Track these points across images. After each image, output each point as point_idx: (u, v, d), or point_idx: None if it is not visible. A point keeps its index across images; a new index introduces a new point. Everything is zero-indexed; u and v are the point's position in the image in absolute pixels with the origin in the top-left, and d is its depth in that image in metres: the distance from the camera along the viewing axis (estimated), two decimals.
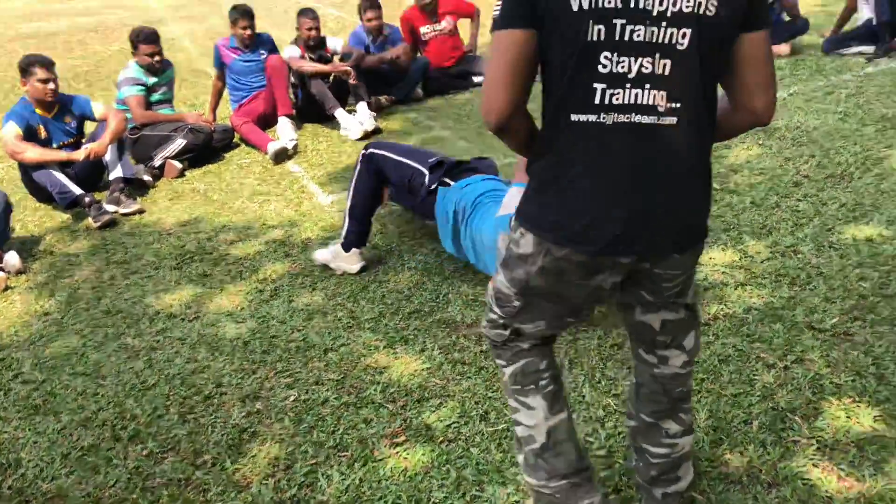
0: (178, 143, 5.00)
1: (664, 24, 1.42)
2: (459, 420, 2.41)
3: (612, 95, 1.45)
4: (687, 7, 1.41)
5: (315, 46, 5.79)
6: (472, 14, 6.82)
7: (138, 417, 2.60)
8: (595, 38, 1.42)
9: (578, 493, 1.80)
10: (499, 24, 1.48)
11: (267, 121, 5.67)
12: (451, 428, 2.38)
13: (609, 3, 1.40)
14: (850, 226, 3.35)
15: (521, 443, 1.84)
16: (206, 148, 5.18)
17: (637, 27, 1.42)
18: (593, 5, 1.40)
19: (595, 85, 1.45)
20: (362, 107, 5.65)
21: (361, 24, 6.29)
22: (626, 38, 1.42)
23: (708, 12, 1.42)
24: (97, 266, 3.83)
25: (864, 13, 6.28)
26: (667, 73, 1.45)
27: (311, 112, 5.86)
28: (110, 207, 4.37)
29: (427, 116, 5.91)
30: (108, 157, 4.56)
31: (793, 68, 6.03)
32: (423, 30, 6.53)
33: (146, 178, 4.85)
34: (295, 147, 5.26)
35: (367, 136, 5.42)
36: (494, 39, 1.50)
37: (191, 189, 4.76)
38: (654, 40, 1.43)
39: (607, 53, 1.43)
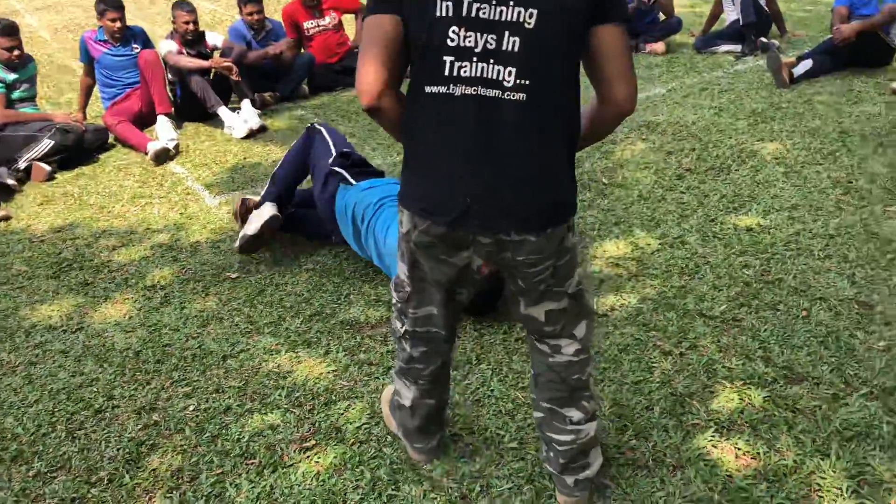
0: (46, 143, 4.65)
1: (511, 3, 1.50)
2: (370, 421, 2.37)
3: (459, 68, 1.55)
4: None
5: (193, 41, 5.54)
6: (356, 9, 6.74)
7: (20, 437, 2.41)
8: (443, 13, 1.53)
9: (413, 438, 2.14)
10: (367, 11, 1.61)
11: (143, 120, 5.37)
12: (361, 429, 2.34)
13: None
14: (731, 216, 3.53)
15: (395, 391, 2.13)
16: (78, 149, 4.84)
17: (482, 5, 1.51)
18: None
19: (444, 58, 1.55)
20: (246, 104, 5.47)
21: (241, 18, 6.08)
22: (473, 14, 1.52)
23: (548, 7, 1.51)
24: None
25: (731, 15, 6.65)
26: (515, 50, 1.53)
27: (191, 110, 5.61)
28: None
29: (314, 114, 5.79)
30: None
31: (668, 66, 6.30)
32: (306, 25, 6.38)
33: (10, 181, 4.46)
34: (177, 147, 5.02)
35: (252, 134, 5.26)
36: (364, 25, 1.63)
37: (62, 193, 4.45)
38: (501, 18, 1.51)
39: (455, 28, 1.53)
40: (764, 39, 6.43)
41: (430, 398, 2.06)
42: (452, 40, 1.54)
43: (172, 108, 5.44)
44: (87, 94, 5.60)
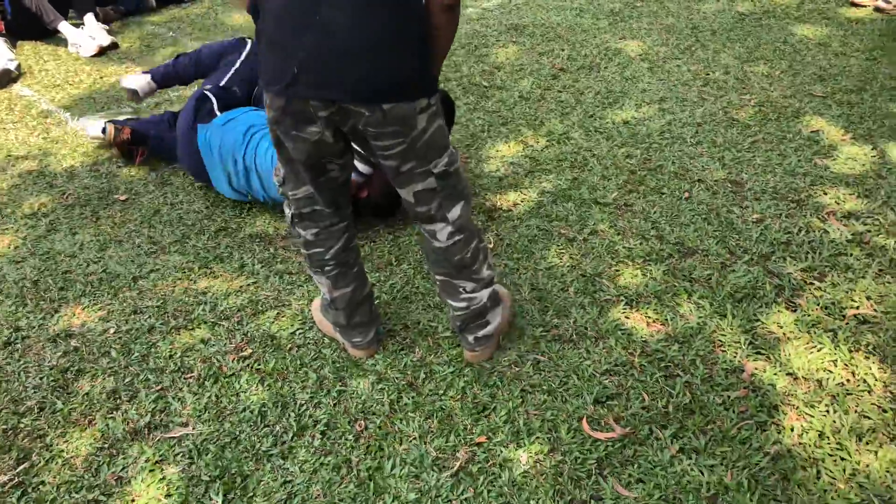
0: None
1: None
2: (303, 326, 2.41)
3: None
4: None
5: None
6: None
7: None
8: None
9: (352, 334, 2.22)
10: None
11: None
12: (296, 334, 2.38)
13: None
14: (608, 111, 3.75)
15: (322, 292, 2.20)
16: None
17: None
18: None
19: None
20: (90, 19, 5.05)
21: None
22: None
23: None
24: None
25: None
26: None
27: (26, 28, 5.12)
28: None
29: (168, 28, 5.45)
30: None
31: None
32: None
33: None
34: (18, 67, 4.60)
35: (102, 51, 4.90)
36: None
37: None
38: None
39: None
40: None
41: (344, 286, 2.12)
42: None
43: (3, 27, 4.94)
44: None
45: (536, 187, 3.12)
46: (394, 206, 2.85)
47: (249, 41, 3.37)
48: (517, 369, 2.19)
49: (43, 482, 1.92)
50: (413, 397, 2.11)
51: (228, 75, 3.19)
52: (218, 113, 3.01)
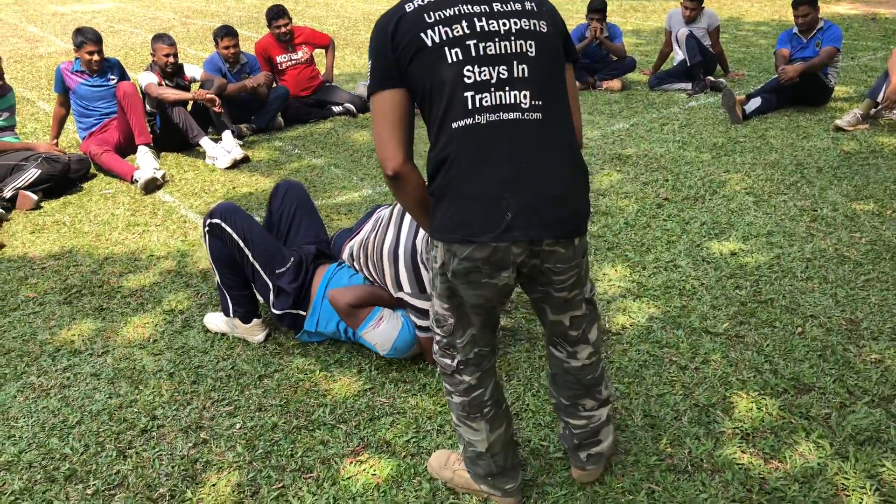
0: (32, 172, 4.62)
1: (513, 37, 1.75)
2: (417, 435, 2.48)
3: (480, 99, 1.73)
4: (525, 26, 1.77)
5: (172, 73, 5.59)
6: (327, 45, 6.89)
7: (70, 456, 2.44)
8: (455, 59, 1.72)
9: (504, 480, 2.13)
10: (372, 89, 1.78)
11: (121, 150, 5.39)
12: (410, 443, 2.44)
13: (458, 31, 1.72)
14: (714, 242, 3.80)
15: (463, 442, 2.13)
16: (63, 178, 4.82)
17: (488, 43, 1.73)
18: (446, 36, 1.72)
19: (465, 94, 1.72)
20: (228, 135, 5.52)
21: (216, 51, 6.14)
22: (482, 53, 1.73)
23: (542, 29, 1.79)
24: None
25: (679, 55, 7.08)
26: (525, 75, 1.75)
27: (170, 141, 5.64)
28: None
29: (293, 145, 5.88)
30: None
31: (627, 102, 6.65)
32: (279, 59, 6.50)
33: None
34: (164, 176, 5.03)
35: (235, 164, 5.31)
36: (372, 103, 1.79)
37: (53, 221, 4.42)
38: (507, 51, 1.74)
39: (469, 67, 1.72)
40: (712, 78, 6.88)
41: (500, 425, 2.09)
42: (469, 78, 1.72)
43: (152, 139, 5.45)
44: (60, 124, 5.59)
45: (645, 312, 3.16)
46: None
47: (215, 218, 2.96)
48: (631, 497, 2.18)
49: None
50: None
51: (262, 252, 2.95)
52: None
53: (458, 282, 1.83)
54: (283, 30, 6.39)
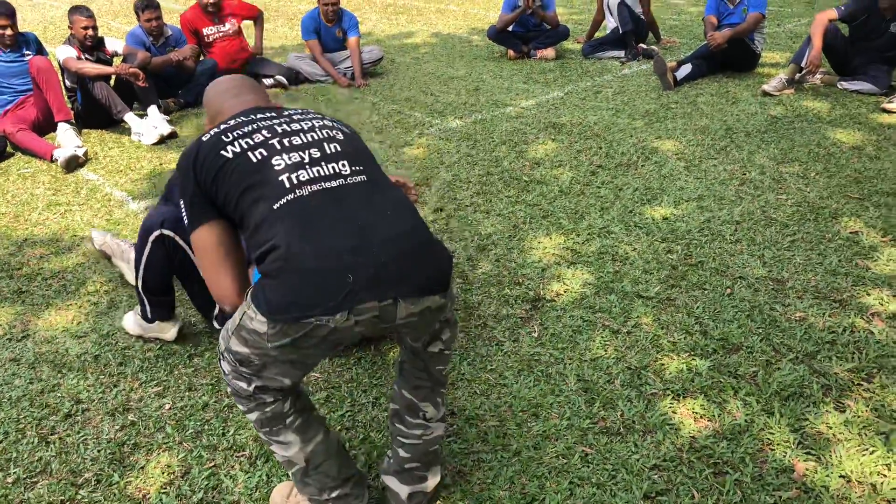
0: None
1: (317, 129, 1.81)
2: (352, 409, 2.45)
3: (297, 177, 1.69)
4: (328, 123, 1.88)
5: (92, 47, 5.35)
6: (256, 16, 6.70)
7: None
8: (260, 157, 1.72)
9: (348, 500, 1.90)
10: (190, 228, 1.76)
11: (40, 127, 5.16)
12: (345, 417, 2.42)
13: (258, 138, 1.75)
14: (647, 207, 3.84)
15: (284, 462, 1.84)
16: None
17: (292, 138, 1.77)
18: (246, 145, 1.73)
19: (280, 178, 1.69)
20: (154, 110, 5.34)
21: (139, 24, 5.91)
22: (287, 145, 1.74)
23: (344, 129, 1.91)
24: None
25: (611, 23, 7.11)
26: (339, 150, 1.79)
27: (93, 117, 5.42)
28: None
29: None
30: None
31: (562, 70, 6.66)
32: (206, 31, 6.30)
33: None
34: (86, 153, 4.84)
35: (162, 140, 5.14)
36: (194, 242, 1.78)
37: None
38: (314, 139, 1.77)
39: (276, 158, 1.72)
40: (644, 46, 6.93)
41: (314, 433, 1.83)
42: (279, 165, 1.70)
43: (72, 115, 5.23)
44: None
45: (579, 279, 3.18)
46: None
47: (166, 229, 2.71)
48: (565, 461, 2.20)
49: None
50: (461, 485, 2.13)
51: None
52: None
53: (280, 351, 1.63)
54: (210, 0, 6.19)
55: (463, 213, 3.90)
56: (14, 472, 2.23)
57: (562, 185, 4.15)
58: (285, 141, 1.74)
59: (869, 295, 2.95)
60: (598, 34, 7.51)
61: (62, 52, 5.19)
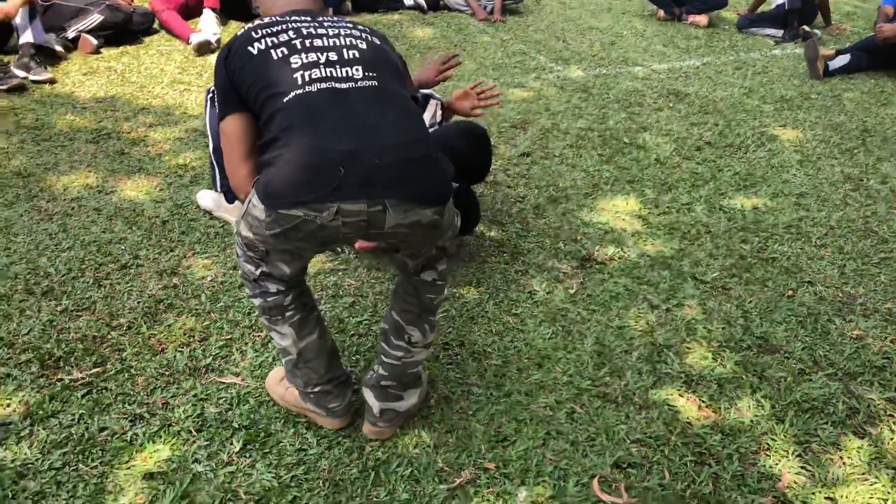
0: (94, 17, 4.78)
1: (341, 36, 1.83)
2: (370, 318, 2.55)
3: (309, 75, 1.73)
4: (356, 32, 1.88)
5: None
6: None
7: (52, 276, 2.66)
8: (280, 55, 1.76)
9: (328, 398, 2.03)
10: (220, 115, 1.83)
11: (189, 10, 5.48)
12: (361, 324, 2.53)
13: (283, 37, 1.78)
14: (741, 193, 3.66)
15: (279, 350, 1.99)
16: (124, 28, 4.97)
17: (314, 40, 1.79)
18: (271, 43, 1.77)
19: (294, 74, 1.73)
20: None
21: None
22: (308, 45, 1.78)
23: (374, 40, 1.91)
24: (5, 129, 3.70)
25: None
26: (357, 56, 1.81)
27: (236, 9, 5.69)
28: (19, 72, 4.17)
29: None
30: (17, 21, 4.33)
31: (708, 40, 6.33)
32: None
33: (58, 48, 4.62)
34: (219, 41, 5.12)
35: None
36: (222, 130, 1.84)
37: (106, 67, 4.60)
38: (335, 44, 1.80)
39: (295, 57, 1.76)
40: (807, 28, 6.46)
41: (310, 331, 1.96)
42: (296, 63, 1.74)
43: (219, 3, 5.51)
44: None
45: (639, 249, 3.11)
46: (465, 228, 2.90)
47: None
48: (551, 413, 2.21)
49: (107, 388, 2.18)
50: (443, 409, 2.19)
51: None
52: None
53: (277, 238, 1.73)
54: None
55: (549, 161, 3.86)
56: (65, 303, 2.51)
57: (660, 155, 4.01)
58: (307, 42, 1.78)
59: None
60: (763, 9, 7.04)
61: None
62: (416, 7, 6.51)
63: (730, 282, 2.94)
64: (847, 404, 2.35)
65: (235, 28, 5.63)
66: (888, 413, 2.32)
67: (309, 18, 1.89)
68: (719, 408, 2.30)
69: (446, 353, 2.42)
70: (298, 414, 2.12)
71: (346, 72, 1.76)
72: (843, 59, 5.54)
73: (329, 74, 1.74)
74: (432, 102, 2.92)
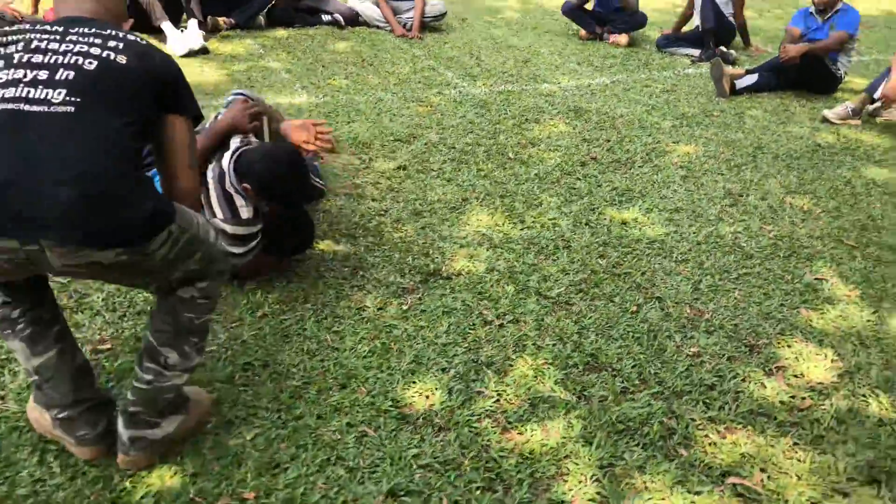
0: None
1: (71, 54, 1.66)
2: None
3: (3, 94, 1.59)
4: (95, 51, 1.68)
5: None
6: None
7: None
8: None
9: (75, 425, 1.87)
10: None
11: None
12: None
13: (10, 49, 1.66)
14: (613, 208, 3.57)
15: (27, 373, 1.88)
16: None
17: (35, 55, 1.65)
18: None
19: None
20: (193, 24, 5.44)
21: None
22: (24, 60, 1.64)
23: (118, 60, 1.69)
24: None
25: (696, 19, 6.64)
26: (71, 77, 1.63)
27: (135, 23, 5.55)
28: None
29: (262, 46, 5.76)
30: None
31: (625, 58, 6.30)
32: None
33: None
34: None
35: (191, 54, 5.23)
36: None
37: None
38: (56, 63, 1.64)
39: (3, 72, 1.63)
40: (724, 49, 6.45)
41: (44, 350, 1.84)
42: (1, 78, 1.62)
43: None
44: None
45: (490, 263, 3.00)
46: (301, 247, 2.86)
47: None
48: (338, 437, 2.08)
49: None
50: (219, 434, 2.05)
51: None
52: None
53: None
54: None
55: (424, 175, 3.76)
56: None
57: (541, 170, 3.92)
58: (25, 57, 1.65)
59: (788, 347, 2.63)
60: (686, 29, 7.03)
61: None
62: (334, 23, 6.44)
63: (574, 297, 2.83)
64: (665, 425, 2.24)
65: None
66: (705, 434, 2.21)
67: (60, 29, 1.73)
68: (524, 430, 2.18)
69: (244, 375, 2.29)
70: (54, 441, 1.97)
71: (46, 94, 1.60)
72: (750, 79, 5.52)
73: (23, 95, 1.59)
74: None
